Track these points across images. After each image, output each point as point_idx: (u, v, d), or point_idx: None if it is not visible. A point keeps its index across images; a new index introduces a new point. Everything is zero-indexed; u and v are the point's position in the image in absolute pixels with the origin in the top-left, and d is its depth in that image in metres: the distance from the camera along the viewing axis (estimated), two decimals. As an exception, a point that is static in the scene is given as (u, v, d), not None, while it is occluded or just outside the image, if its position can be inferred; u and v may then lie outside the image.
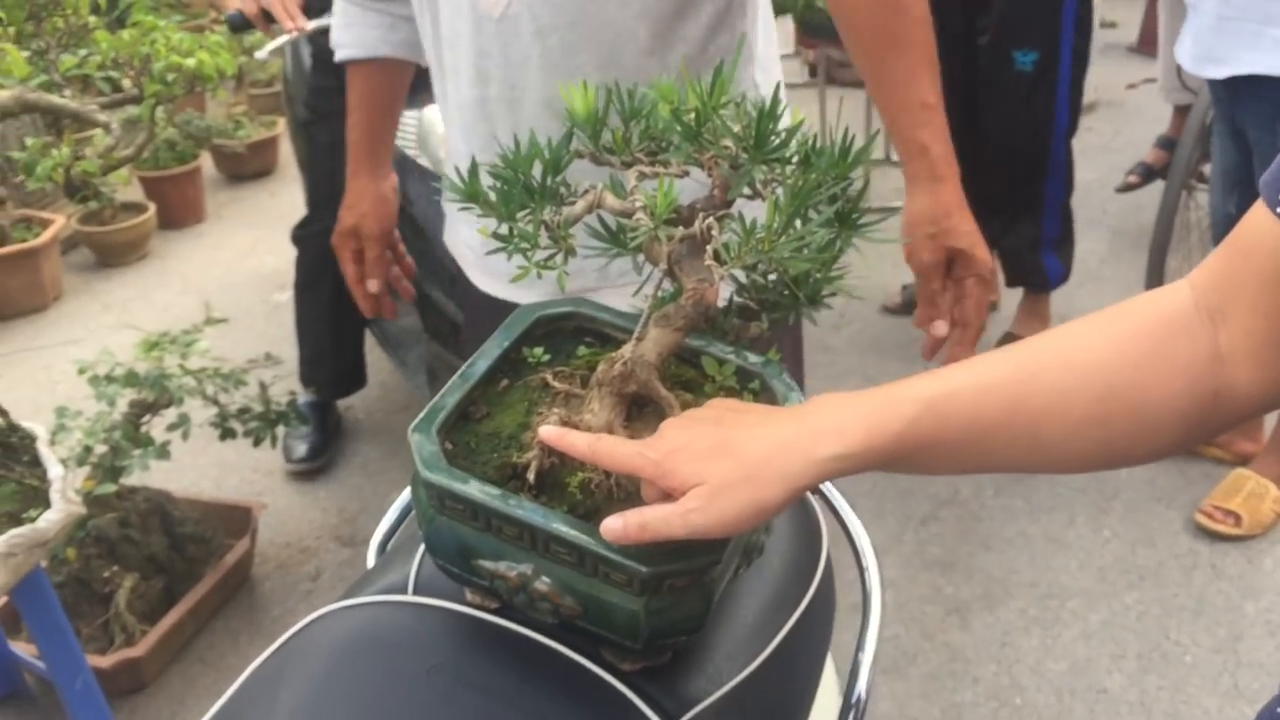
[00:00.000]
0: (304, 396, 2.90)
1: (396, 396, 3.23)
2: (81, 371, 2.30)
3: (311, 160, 2.81)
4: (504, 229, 0.89)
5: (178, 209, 4.46)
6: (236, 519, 2.46)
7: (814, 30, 3.79)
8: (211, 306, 3.27)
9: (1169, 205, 3.09)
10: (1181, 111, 3.96)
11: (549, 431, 0.84)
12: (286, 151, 4.73)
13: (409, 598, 0.97)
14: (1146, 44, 5.56)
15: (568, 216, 0.91)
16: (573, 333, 1.04)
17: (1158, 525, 2.67)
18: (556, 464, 0.88)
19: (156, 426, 2.29)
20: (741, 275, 0.95)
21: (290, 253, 2.94)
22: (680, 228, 0.90)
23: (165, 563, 2.26)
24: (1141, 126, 4.90)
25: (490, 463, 0.89)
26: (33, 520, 1.65)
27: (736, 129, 0.88)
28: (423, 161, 2.46)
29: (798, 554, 1.07)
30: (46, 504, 1.70)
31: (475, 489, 0.84)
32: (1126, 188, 4.21)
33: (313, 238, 2.74)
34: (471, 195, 0.90)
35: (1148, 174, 4.18)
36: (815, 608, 1.05)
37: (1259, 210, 0.72)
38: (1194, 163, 3.16)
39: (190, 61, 1.56)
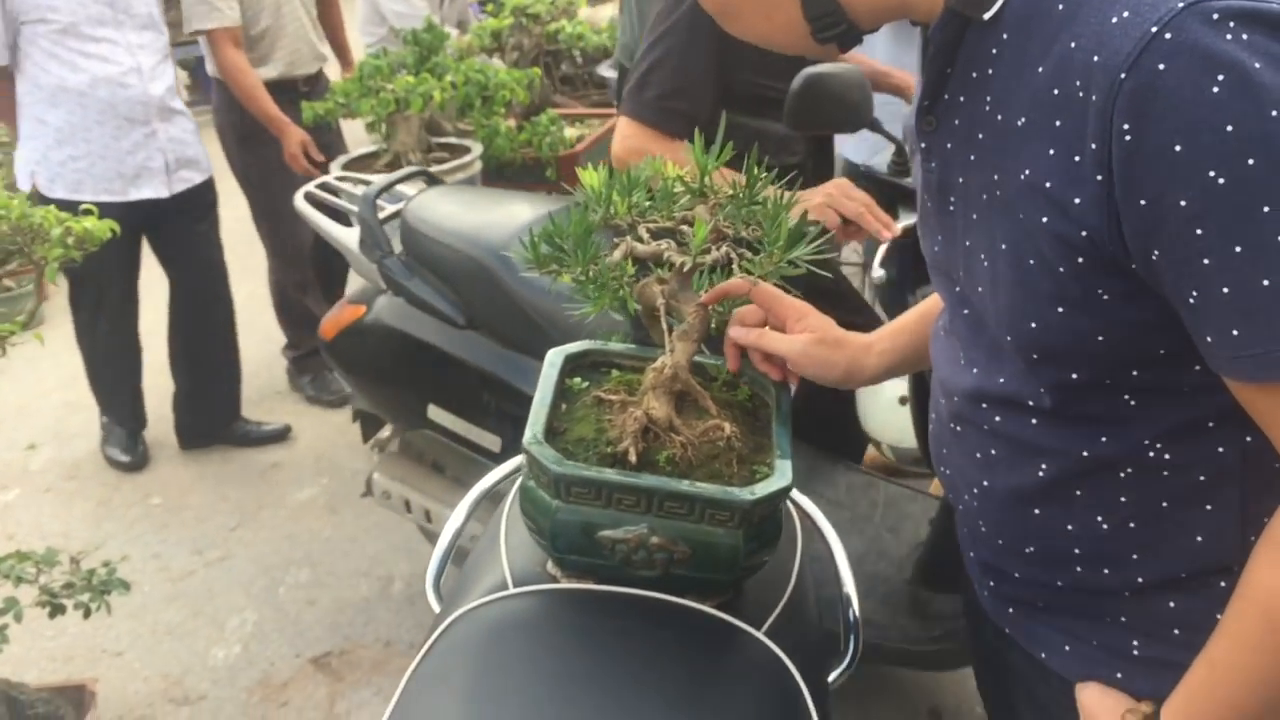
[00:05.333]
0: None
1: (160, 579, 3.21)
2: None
3: None
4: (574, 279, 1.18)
5: None
6: (76, 698, 2.41)
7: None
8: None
9: None
10: None
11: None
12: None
13: (525, 589, 1.18)
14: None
15: (609, 265, 1.20)
16: (591, 366, 1.31)
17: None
18: (645, 447, 1.15)
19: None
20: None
21: (3, 455, 2.89)
22: (675, 266, 1.21)
23: (22, 750, 2.19)
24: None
25: (590, 459, 1.15)
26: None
27: (727, 188, 1.21)
28: None
29: (782, 538, 1.37)
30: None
31: (603, 472, 1.10)
32: None
33: None
34: (540, 261, 1.18)
35: None
36: (804, 566, 1.35)
37: None
38: None
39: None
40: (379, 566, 3.12)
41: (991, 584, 1.15)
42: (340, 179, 3.03)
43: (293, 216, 3.91)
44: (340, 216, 2.72)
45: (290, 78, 3.77)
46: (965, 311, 1.06)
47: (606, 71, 5.43)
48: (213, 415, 3.77)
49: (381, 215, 2.56)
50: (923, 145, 1.04)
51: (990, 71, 0.95)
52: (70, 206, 3.13)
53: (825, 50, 1.06)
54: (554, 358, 1.28)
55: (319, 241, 4.09)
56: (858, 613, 1.38)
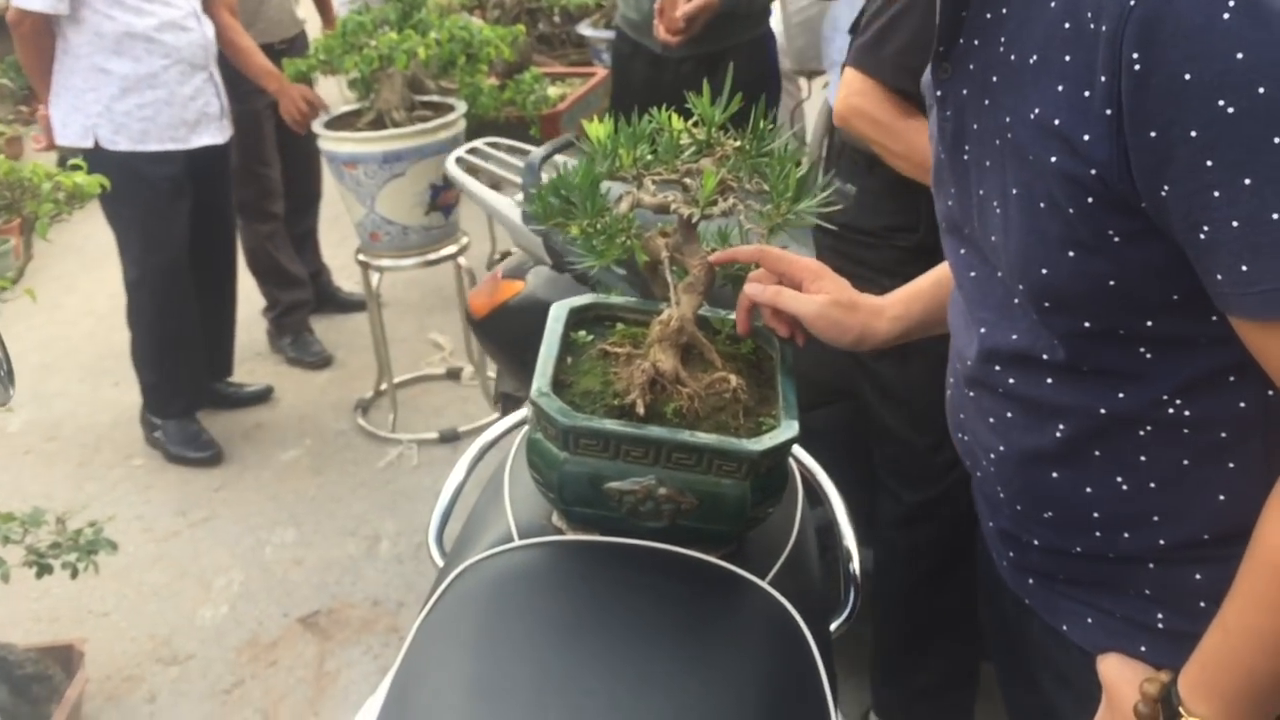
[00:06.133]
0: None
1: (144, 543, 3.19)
2: None
3: None
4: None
5: None
6: (64, 658, 2.40)
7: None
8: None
9: None
10: None
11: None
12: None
13: (531, 540, 1.19)
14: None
15: (616, 216, 1.19)
16: (595, 319, 1.31)
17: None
18: (652, 399, 1.15)
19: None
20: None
21: None
22: (686, 216, 1.21)
23: (11, 708, 2.19)
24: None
25: (597, 411, 1.15)
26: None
27: (735, 140, 1.21)
28: None
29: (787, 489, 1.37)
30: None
31: (611, 424, 1.10)
32: None
33: None
34: (547, 213, 1.18)
35: None
36: (805, 518, 1.36)
37: None
38: None
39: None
40: (365, 526, 3.12)
41: (1011, 554, 1.13)
42: (491, 144, 2.89)
43: (267, 171, 3.89)
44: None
45: (267, 43, 3.74)
46: (972, 274, 1.05)
47: (587, 30, 5.38)
48: (208, 373, 3.74)
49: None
50: (938, 94, 1.03)
51: (1004, 10, 0.94)
52: (133, 158, 3.15)
53: None
54: (558, 311, 1.28)
55: (292, 202, 4.09)
56: (857, 566, 1.39)
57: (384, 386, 3.67)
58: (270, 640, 2.69)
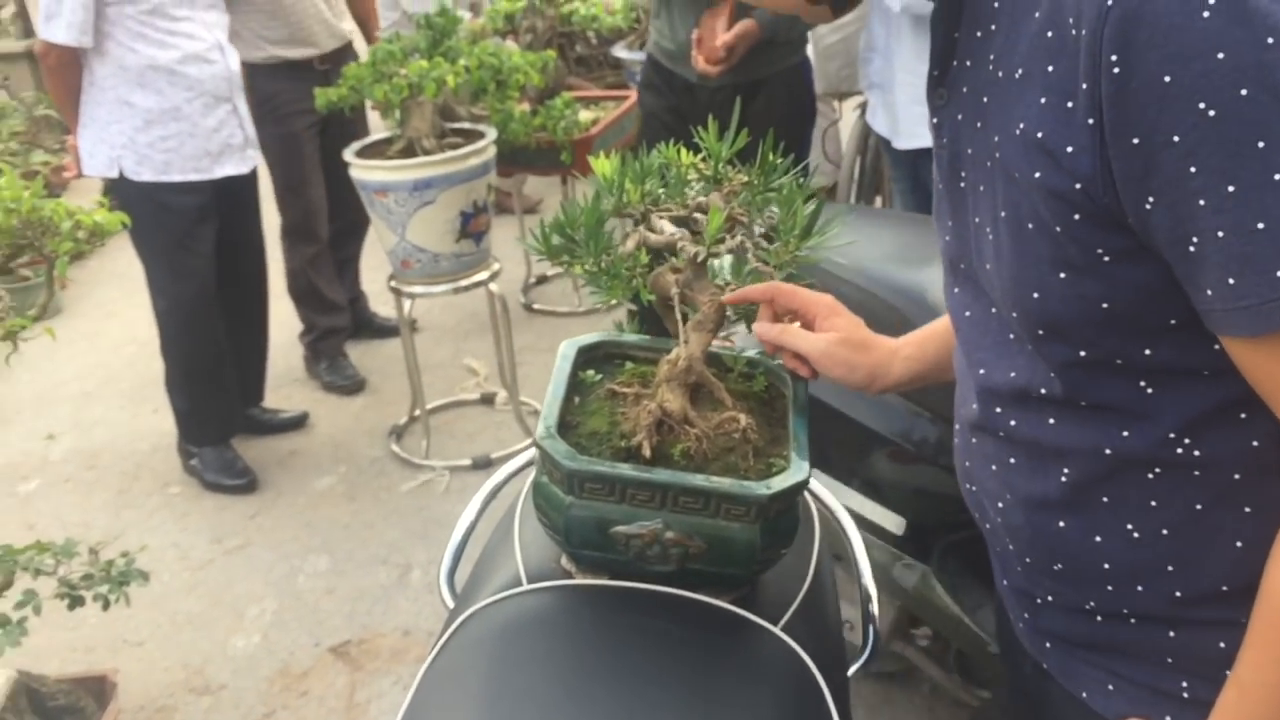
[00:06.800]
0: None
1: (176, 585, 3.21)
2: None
3: None
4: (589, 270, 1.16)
5: None
6: (96, 689, 2.42)
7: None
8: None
9: None
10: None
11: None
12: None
13: (539, 585, 1.17)
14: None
15: (622, 255, 1.17)
16: (604, 357, 1.29)
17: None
18: (659, 441, 1.13)
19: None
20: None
21: (23, 445, 2.88)
22: (694, 254, 1.19)
23: (43, 741, 2.20)
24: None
25: (603, 453, 1.13)
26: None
27: (742, 175, 1.19)
28: None
29: (801, 532, 1.35)
30: (-17, 672, 1.70)
31: (616, 467, 1.08)
32: None
33: None
34: (552, 252, 1.16)
35: None
36: (821, 560, 1.33)
37: None
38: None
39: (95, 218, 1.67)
40: (397, 554, 3.12)
41: (1026, 615, 1.09)
42: None
43: (310, 193, 3.91)
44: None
45: (303, 58, 3.77)
46: (968, 314, 1.02)
47: (622, 53, 5.38)
48: (240, 400, 3.76)
49: None
50: (934, 121, 1.00)
51: (993, 27, 0.91)
52: (157, 189, 3.19)
53: (818, 11, 1.01)
54: (566, 350, 1.26)
55: (337, 227, 4.11)
56: (876, 607, 1.36)
57: (417, 413, 3.67)
58: (302, 670, 2.69)
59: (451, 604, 1.33)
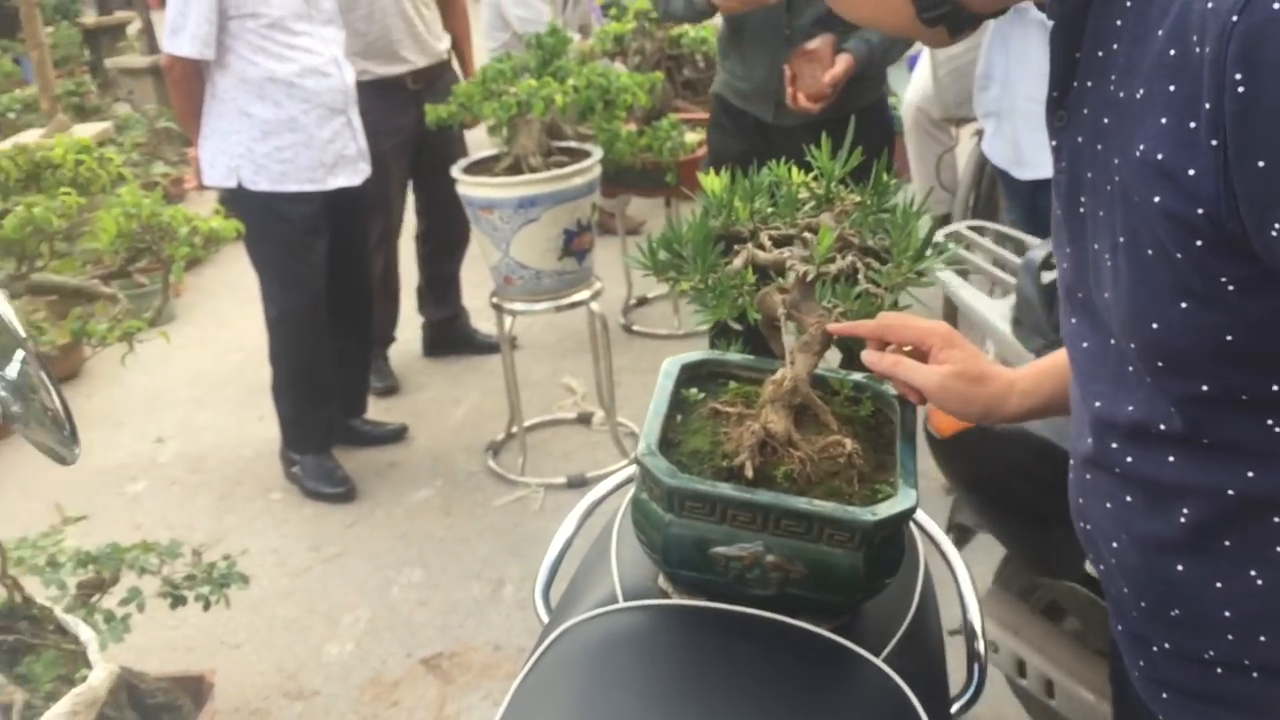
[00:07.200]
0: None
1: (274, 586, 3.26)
2: (19, 563, 2.28)
3: None
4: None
5: (-8, 418, 4.30)
6: (194, 688, 2.46)
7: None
8: (63, 508, 3.23)
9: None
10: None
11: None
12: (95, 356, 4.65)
13: (636, 603, 1.15)
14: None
15: (729, 272, 1.16)
16: (707, 376, 1.27)
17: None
18: (762, 462, 1.11)
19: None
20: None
21: (133, 447, 2.94)
22: (804, 273, 1.17)
23: (141, 737, 2.24)
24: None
25: (704, 472, 1.11)
26: (85, 680, 1.69)
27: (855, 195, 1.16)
28: None
29: (904, 561, 1.31)
30: (88, 665, 1.74)
31: (718, 487, 1.06)
32: None
33: None
34: (658, 268, 1.15)
35: None
36: (926, 591, 1.29)
37: None
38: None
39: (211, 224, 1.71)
40: (490, 569, 3.13)
41: (1141, 663, 1.03)
42: (976, 229, 2.55)
43: (391, 211, 3.97)
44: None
45: (395, 75, 3.83)
46: (1085, 345, 0.98)
47: (728, 77, 5.38)
48: (341, 411, 3.83)
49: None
50: (1054, 144, 0.97)
51: (1115, 46, 0.87)
52: (273, 199, 3.27)
53: (935, 34, 0.98)
54: (670, 367, 1.25)
55: (435, 245, 4.17)
56: (983, 644, 1.32)
57: (515, 429, 3.69)
58: (393, 680, 2.71)
59: (546, 619, 1.32)
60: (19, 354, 0.89)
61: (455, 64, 4.21)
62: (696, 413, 1.20)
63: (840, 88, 2.90)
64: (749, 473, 1.09)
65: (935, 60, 3.60)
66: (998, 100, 2.88)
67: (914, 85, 4.19)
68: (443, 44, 4.04)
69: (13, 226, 1.49)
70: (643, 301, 4.97)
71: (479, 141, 4.16)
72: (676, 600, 1.15)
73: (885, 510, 1.05)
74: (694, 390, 1.24)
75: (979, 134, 3.37)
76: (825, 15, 2.89)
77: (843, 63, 2.89)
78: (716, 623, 1.12)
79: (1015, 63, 2.75)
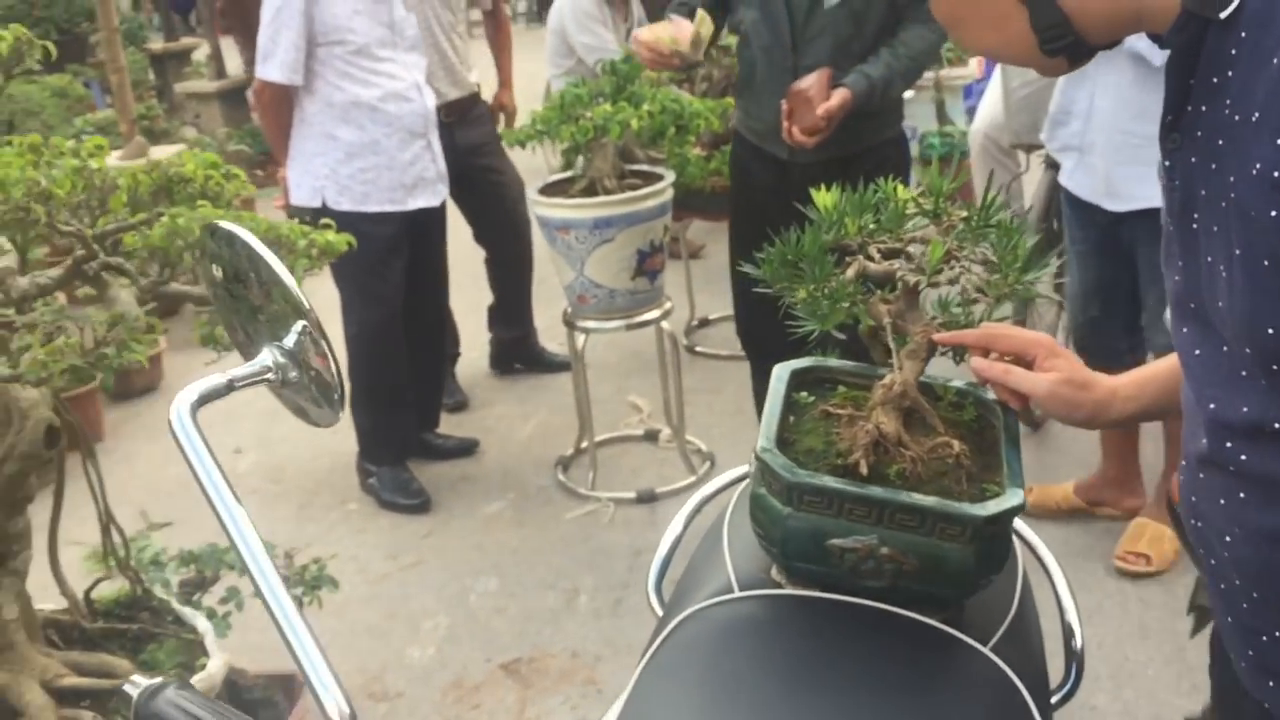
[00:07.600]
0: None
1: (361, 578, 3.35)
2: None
3: None
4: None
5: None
6: (287, 685, 2.55)
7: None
8: (148, 514, 3.34)
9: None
10: None
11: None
12: (171, 366, 4.78)
13: (753, 592, 1.22)
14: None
15: (843, 282, 1.23)
16: (816, 381, 1.35)
17: (1086, 576, 3.07)
18: (875, 461, 1.18)
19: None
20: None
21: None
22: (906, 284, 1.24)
23: (240, 731, 2.33)
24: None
25: (820, 470, 1.18)
26: (204, 668, 1.78)
27: (961, 210, 1.24)
28: None
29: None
30: (205, 653, 1.83)
31: (835, 481, 1.13)
32: None
33: None
34: (774, 277, 1.23)
35: None
36: (1026, 587, 1.35)
37: None
38: None
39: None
40: (564, 579, 3.21)
41: (1250, 652, 1.08)
42: None
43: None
44: None
45: None
46: (1197, 352, 1.04)
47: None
48: (418, 424, 3.93)
49: None
50: (1166, 164, 1.04)
51: (1230, 73, 0.94)
52: (356, 219, 3.32)
53: (1055, 64, 1.06)
54: (781, 372, 1.32)
55: (497, 267, 4.28)
56: (1080, 642, 1.38)
57: (584, 445, 3.77)
58: (474, 684, 2.79)
59: (660, 611, 1.39)
60: (299, 324, 0.97)
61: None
62: (808, 414, 1.28)
63: (836, 121, 2.88)
64: (864, 470, 1.16)
65: (1009, 87, 3.64)
66: (1079, 135, 2.90)
67: (982, 113, 4.24)
68: (472, 75, 4.16)
69: (159, 235, 1.59)
70: (705, 323, 5.05)
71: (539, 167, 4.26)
72: (793, 590, 1.22)
73: (995, 506, 1.12)
74: (804, 394, 1.31)
75: (1047, 162, 3.40)
76: (832, 54, 2.94)
77: (838, 97, 2.87)
78: (831, 611, 1.19)
79: (1101, 97, 2.78)
